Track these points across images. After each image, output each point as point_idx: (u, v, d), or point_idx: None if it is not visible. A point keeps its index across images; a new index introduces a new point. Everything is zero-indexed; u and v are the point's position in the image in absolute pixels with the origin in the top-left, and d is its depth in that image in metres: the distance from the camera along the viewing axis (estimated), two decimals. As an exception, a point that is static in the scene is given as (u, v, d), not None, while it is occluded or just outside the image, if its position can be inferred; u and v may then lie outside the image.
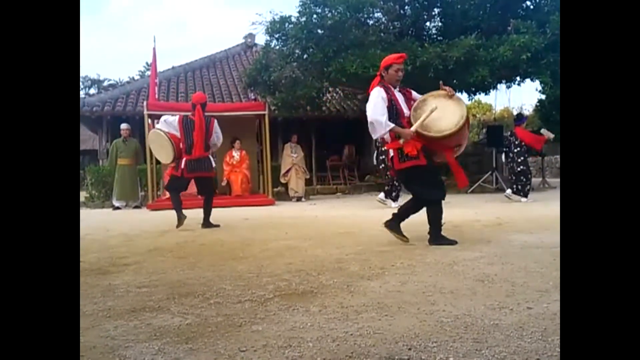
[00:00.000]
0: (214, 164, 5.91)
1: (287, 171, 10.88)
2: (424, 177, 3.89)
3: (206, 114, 5.74)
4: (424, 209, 4.00)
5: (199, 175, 5.74)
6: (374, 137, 4.08)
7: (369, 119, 3.86)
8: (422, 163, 3.83)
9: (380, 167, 8.59)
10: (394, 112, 3.86)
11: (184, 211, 5.66)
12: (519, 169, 8.60)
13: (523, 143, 8.60)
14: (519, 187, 8.55)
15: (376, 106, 3.84)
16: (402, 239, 4.02)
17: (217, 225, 5.74)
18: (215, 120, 5.87)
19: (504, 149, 9.01)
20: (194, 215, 5.86)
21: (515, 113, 16.34)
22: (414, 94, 4.08)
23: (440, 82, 4.04)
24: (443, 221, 3.96)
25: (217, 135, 5.86)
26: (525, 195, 8.50)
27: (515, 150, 8.62)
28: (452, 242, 3.89)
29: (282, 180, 11.02)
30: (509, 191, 8.67)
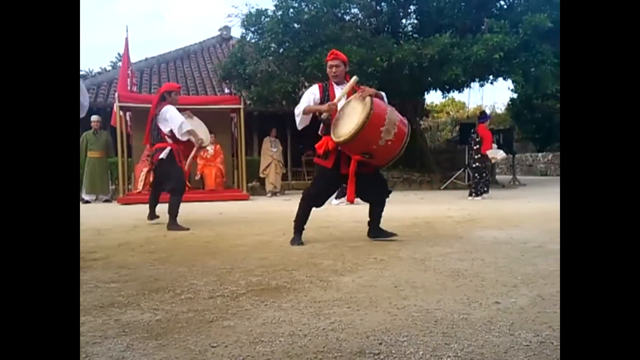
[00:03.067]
0: (167, 155, 5.17)
1: (267, 166, 10.83)
2: (320, 177, 3.96)
3: (178, 106, 5.42)
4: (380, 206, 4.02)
5: (155, 165, 5.28)
6: (299, 128, 4.08)
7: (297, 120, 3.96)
8: (326, 165, 3.82)
9: None
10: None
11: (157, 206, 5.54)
12: (474, 165, 8.71)
13: (481, 141, 8.72)
14: (476, 185, 8.61)
15: (301, 101, 3.93)
16: (393, 237, 3.99)
17: (187, 229, 4.98)
18: (167, 106, 5.21)
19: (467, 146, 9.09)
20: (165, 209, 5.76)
21: (488, 111, 16.64)
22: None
23: (353, 78, 3.87)
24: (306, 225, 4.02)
25: (171, 120, 5.14)
26: (477, 194, 8.48)
27: (475, 148, 8.73)
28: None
29: (262, 175, 10.97)
30: (476, 197, 8.59)
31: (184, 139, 5.22)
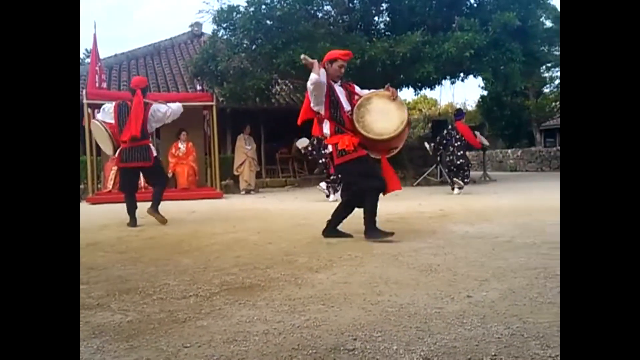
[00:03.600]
0: (154, 153, 5.40)
1: (241, 164, 10.73)
2: (364, 167, 3.87)
3: (147, 101, 5.42)
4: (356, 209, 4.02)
5: (138, 165, 5.30)
6: (315, 104, 3.88)
7: (309, 87, 3.79)
8: (361, 154, 3.85)
9: (321, 160, 8.50)
10: (334, 103, 3.85)
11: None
12: (458, 162, 8.91)
13: (463, 137, 8.92)
14: (458, 176, 8.84)
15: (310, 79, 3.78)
16: (347, 237, 4.00)
17: (164, 220, 5.27)
18: (154, 104, 5.42)
19: (444, 142, 9.28)
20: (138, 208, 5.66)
21: (457, 108, 16.87)
22: (357, 89, 4.06)
23: (388, 84, 4.04)
24: (377, 217, 3.91)
25: (157, 118, 5.43)
26: (460, 187, 8.77)
27: (456, 144, 8.94)
28: (388, 234, 3.83)
29: (236, 173, 10.87)
30: (456, 191, 8.83)
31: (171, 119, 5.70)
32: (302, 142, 9.01)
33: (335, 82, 3.94)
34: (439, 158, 12.20)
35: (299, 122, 4.20)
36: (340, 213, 4.08)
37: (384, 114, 3.80)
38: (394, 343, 1.68)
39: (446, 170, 9.48)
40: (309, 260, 3.15)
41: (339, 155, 3.85)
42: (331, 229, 4.06)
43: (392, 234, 3.85)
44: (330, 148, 3.97)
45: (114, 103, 5.55)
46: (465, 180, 8.89)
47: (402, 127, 3.78)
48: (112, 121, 5.37)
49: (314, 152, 8.54)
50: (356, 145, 3.80)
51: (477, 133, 9.66)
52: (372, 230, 3.84)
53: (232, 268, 2.96)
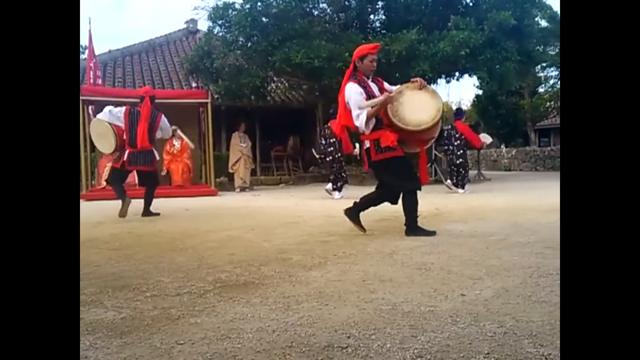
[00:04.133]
0: (157, 157, 5.85)
1: (237, 161, 10.72)
2: (401, 168, 3.89)
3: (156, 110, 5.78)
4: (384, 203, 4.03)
5: (140, 169, 5.72)
6: (367, 129, 3.87)
7: (357, 123, 3.83)
8: (400, 154, 3.84)
9: (328, 158, 8.48)
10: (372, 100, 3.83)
11: (121, 202, 5.44)
12: (458, 162, 8.90)
13: (463, 136, 8.91)
14: (458, 179, 8.88)
15: (354, 104, 3.79)
16: (360, 229, 4.01)
17: (157, 214, 5.71)
18: (163, 115, 5.81)
19: (444, 142, 9.30)
20: (133, 205, 5.64)
21: (454, 107, 16.91)
22: (386, 84, 4.03)
23: (414, 77, 4.06)
24: (418, 212, 3.96)
25: (165, 130, 5.86)
26: (463, 187, 8.83)
27: (456, 144, 8.92)
28: (430, 233, 3.88)
29: (231, 170, 10.85)
30: (449, 181, 8.99)
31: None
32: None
33: (368, 77, 3.92)
34: (434, 157, 12.25)
35: (338, 132, 4.27)
36: (371, 201, 4.07)
37: (418, 105, 3.79)
38: (387, 341, 1.68)
39: (448, 169, 9.50)
40: (303, 258, 3.15)
41: (379, 152, 3.83)
42: (355, 212, 4.06)
43: (434, 232, 3.92)
44: (367, 144, 3.89)
45: (123, 108, 5.70)
46: (465, 181, 8.89)
47: (438, 116, 3.77)
48: (121, 124, 5.58)
49: (325, 153, 8.45)
50: (396, 143, 3.79)
51: (483, 135, 9.62)
52: (413, 229, 3.92)
53: (226, 265, 2.96)
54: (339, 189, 8.23)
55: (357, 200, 4.12)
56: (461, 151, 8.89)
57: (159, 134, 5.80)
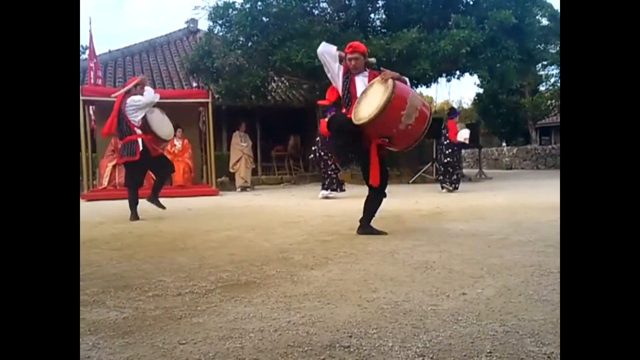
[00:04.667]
0: (140, 147, 5.33)
1: (237, 161, 10.72)
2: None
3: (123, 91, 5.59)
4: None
5: (125, 160, 5.50)
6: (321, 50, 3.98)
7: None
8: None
9: (314, 156, 8.41)
10: (347, 95, 3.85)
11: (122, 202, 5.45)
12: (445, 161, 8.84)
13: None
14: (446, 177, 8.78)
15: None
16: (381, 234, 3.93)
17: (163, 207, 5.62)
18: (128, 99, 5.39)
19: (440, 139, 9.28)
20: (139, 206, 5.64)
21: (456, 106, 16.87)
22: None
23: (382, 69, 3.88)
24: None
25: (133, 108, 5.36)
26: (451, 185, 8.69)
27: (445, 143, 8.88)
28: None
29: (232, 170, 10.85)
30: (443, 190, 8.82)
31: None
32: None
33: (358, 74, 3.91)
34: (434, 156, 12.24)
35: (324, 102, 4.23)
36: (374, 206, 4.05)
37: (371, 98, 3.61)
38: (389, 340, 1.68)
39: (440, 169, 9.44)
40: (305, 257, 3.15)
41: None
42: (366, 226, 4.03)
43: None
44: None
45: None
46: (451, 183, 8.72)
47: (375, 112, 3.45)
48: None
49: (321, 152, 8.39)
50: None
51: (464, 131, 9.28)
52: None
53: (228, 265, 2.96)
54: (325, 188, 8.12)
55: (361, 216, 4.04)
56: (449, 150, 8.79)
57: (133, 116, 5.33)
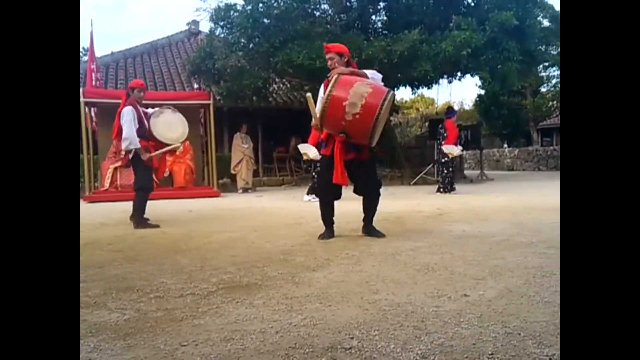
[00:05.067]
0: (141, 157, 5.03)
1: (239, 162, 10.72)
2: (322, 169, 4.04)
3: (149, 101, 5.48)
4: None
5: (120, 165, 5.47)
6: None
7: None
8: (325, 153, 3.91)
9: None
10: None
11: (124, 203, 5.44)
12: (442, 160, 8.86)
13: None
14: (443, 180, 8.82)
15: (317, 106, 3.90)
16: (381, 236, 3.94)
17: (156, 225, 4.97)
18: (126, 107, 5.03)
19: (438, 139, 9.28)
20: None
21: (457, 107, 16.84)
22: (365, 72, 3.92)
23: (307, 95, 3.86)
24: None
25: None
26: (444, 187, 8.68)
27: (443, 142, 8.88)
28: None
29: (233, 171, 10.86)
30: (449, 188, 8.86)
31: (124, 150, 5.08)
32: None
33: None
34: (435, 158, 12.24)
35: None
36: (372, 206, 4.06)
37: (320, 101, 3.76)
38: (391, 342, 1.68)
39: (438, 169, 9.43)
40: (306, 259, 3.15)
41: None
42: (370, 226, 4.04)
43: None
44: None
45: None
46: (443, 185, 8.70)
47: (320, 111, 3.54)
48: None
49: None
50: (322, 139, 3.92)
51: (449, 148, 8.82)
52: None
53: (229, 267, 2.96)
54: (308, 191, 7.99)
55: (363, 217, 4.06)
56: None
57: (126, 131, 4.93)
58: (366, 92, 3.48)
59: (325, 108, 3.50)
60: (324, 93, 3.66)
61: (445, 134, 8.83)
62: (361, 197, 4.05)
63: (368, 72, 3.80)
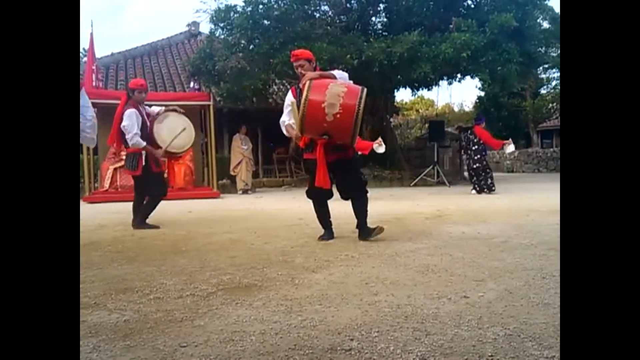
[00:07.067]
0: (143, 162, 4.92)
1: (238, 163, 10.72)
2: (310, 174, 4.02)
3: (151, 102, 5.34)
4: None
5: (129, 174, 5.25)
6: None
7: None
8: (310, 157, 3.91)
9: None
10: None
11: (124, 204, 5.43)
12: (474, 166, 9.05)
13: (481, 141, 8.97)
14: (478, 182, 9.00)
15: (284, 114, 4.04)
16: (380, 231, 3.93)
17: (155, 227, 4.92)
18: (128, 110, 4.86)
19: (462, 146, 9.41)
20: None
21: (456, 109, 16.81)
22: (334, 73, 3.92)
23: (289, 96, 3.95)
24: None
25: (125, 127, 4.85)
26: (481, 189, 8.92)
27: (474, 148, 9.07)
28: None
29: (233, 173, 10.86)
30: (472, 191, 9.06)
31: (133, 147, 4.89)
32: None
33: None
34: (436, 159, 12.23)
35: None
36: (363, 207, 4.03)
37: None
38: (390, 343, 1.68)
39: (468, 174, 9.67)
40: (306, 260, 3.15)
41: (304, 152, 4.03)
42: (364, 228, 4.01)
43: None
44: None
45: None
46: (483, 187, 8.95)
47: (300, 118, 3.56)
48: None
49: None
50: (307, 142, 3.92)
51: (508, 145, 9.32)
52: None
53: (229, 268, 2.96)
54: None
55: (357, 220, 4.02)
56: (478, 156, 9.03)
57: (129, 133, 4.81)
58: (342, 91, 3.52)
59: (305, 113, 3.50)
60: (299, 99, 3.67)
61: (475, 140, 9.00)
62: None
63: (335, 72, 3.86)
